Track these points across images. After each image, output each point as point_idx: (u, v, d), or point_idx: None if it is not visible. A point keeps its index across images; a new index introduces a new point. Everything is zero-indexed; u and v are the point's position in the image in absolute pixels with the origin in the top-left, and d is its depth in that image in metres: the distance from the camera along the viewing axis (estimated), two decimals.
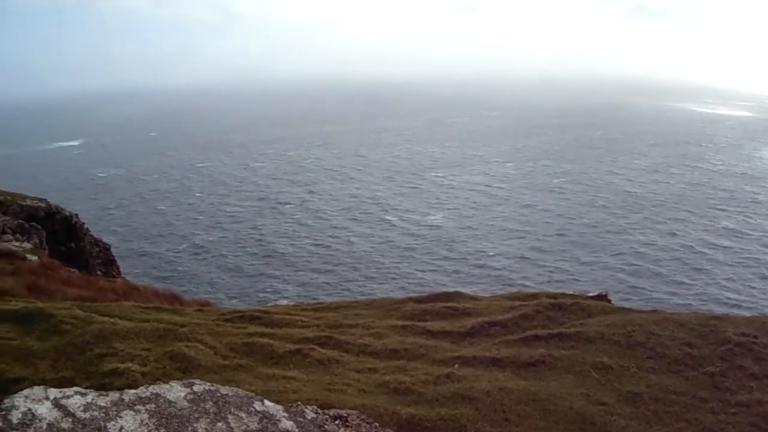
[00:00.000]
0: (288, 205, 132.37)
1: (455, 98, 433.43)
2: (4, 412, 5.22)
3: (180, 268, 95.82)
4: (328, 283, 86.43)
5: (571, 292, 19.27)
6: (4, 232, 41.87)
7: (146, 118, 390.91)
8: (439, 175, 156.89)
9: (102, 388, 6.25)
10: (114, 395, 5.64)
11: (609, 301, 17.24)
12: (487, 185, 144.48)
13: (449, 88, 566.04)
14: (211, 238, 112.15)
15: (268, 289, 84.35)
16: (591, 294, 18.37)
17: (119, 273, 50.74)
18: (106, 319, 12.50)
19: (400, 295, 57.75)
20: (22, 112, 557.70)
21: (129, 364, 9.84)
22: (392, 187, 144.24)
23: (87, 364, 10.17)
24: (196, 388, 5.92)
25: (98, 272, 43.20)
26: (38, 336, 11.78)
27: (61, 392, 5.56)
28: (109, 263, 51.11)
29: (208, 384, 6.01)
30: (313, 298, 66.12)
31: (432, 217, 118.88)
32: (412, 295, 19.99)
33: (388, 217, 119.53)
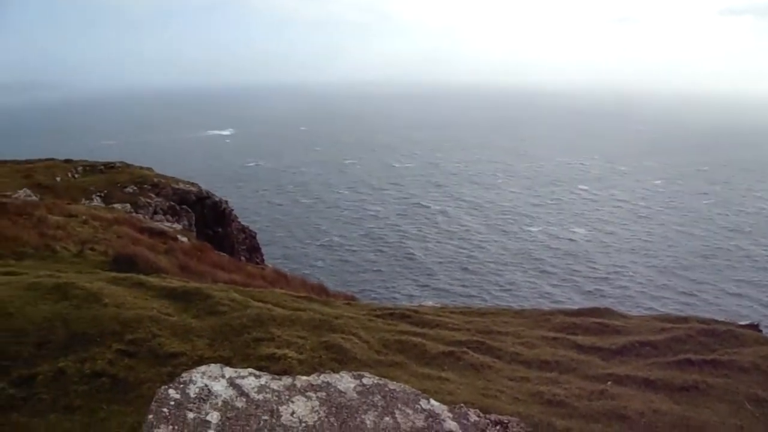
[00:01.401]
0: (428, 208, 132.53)
1: (603, 110, 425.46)
2: (182, 386, 5.32)
3: (318, 262, 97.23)
4: (463, 289, 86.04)
5: (722, 319, 18.61)
6: (156, 213, 43.42)
7: (297, 113, 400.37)
8: (583, 188, 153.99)
9: (258, 371, 6.28)
10: (287, 380, 5.66)
11: (760, 331, 16.57)
12: (632, 202, 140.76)
13: (597, 99, 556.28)
14: (350, 235, 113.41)
15: (403, 290, 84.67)
16: (742, 323, 17.69)
17: (262, 260, 51.77)
18: (261, 304, 12.72)
19: (542, 306, 56.94)
20: (179, 101, 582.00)
21: (286, 351, 9.96)
22: (535, 198, 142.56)
23: (244, 347, 10.35)
24: (365, 380, 5.87)
25: (242, 258, 44.25)
26: (195, 314, 12.09)
27: (236, 372, 5.63)
28: (253, 250, 52.27)
29: (377, 378, 5.95)
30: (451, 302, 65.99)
31: (573, 231, 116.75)
32: (560, 307, 19.62)
33: (529, 228, 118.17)
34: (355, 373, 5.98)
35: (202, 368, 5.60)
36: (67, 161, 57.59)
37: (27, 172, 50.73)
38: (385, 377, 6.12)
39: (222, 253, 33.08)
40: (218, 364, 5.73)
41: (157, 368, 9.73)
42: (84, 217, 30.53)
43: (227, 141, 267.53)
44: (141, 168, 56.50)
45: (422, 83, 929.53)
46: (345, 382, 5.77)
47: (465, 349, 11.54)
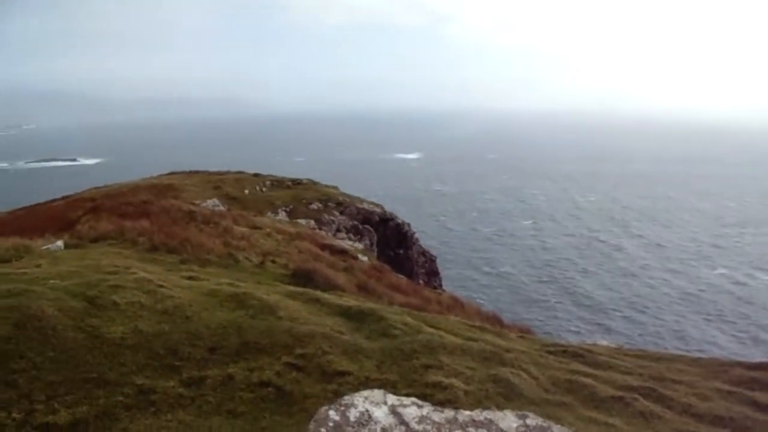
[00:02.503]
0: (606, 244, 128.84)
1: None
2: (343, 408, 5.26)
3: (490, 291, 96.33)
4: (635, 331, 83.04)
5: None
6: (339, 231, 44.21)
7: (486, 141, 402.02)
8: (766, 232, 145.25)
9: (423, 398, 6.14)
10: (449, 413, 5.47)
11: None
12: None
13: None
14: (525, 267, 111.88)
15: (573, 327, 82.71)
16: None
17: (440, 284, 51.79)
18: (433, 330, 12.63)
19: (718, 354, 54.22)
20: (370, 122, 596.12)
21: (453, 380, 9.78)
22: (718, 239, 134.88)
23: (411, 372, 10.24)
24: (529, 421, 5.60)
25: (420, 281, 44.41)
26: (367, 335, 12.13)
27: (398, 400, 5.51)
28: (432, 274, 52.42)
29: (542, 419, 5.67)
30: (624, 343, 63.59)
31: (756, 277, 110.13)
32: (739, 358, 18.52)
33: (710, 271, 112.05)
34: (519, 413, 5.74)
35: (365, 393, 5.54)
36: (256, 175, 59.75)
37: (217, 183, 53.00)
38: (550, 418, 5.88)
39: (400, 275, 33.25)
40: (381, 390, 5.64)
41: (323, 385, 9.78)
42: (268, 230, 31.44)
43: (413, 165, 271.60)
44: (327, 186, 57.86)
45: (612, 116, 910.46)
46: (508, 420, 5.54)
47: (636, 395, 10.99)
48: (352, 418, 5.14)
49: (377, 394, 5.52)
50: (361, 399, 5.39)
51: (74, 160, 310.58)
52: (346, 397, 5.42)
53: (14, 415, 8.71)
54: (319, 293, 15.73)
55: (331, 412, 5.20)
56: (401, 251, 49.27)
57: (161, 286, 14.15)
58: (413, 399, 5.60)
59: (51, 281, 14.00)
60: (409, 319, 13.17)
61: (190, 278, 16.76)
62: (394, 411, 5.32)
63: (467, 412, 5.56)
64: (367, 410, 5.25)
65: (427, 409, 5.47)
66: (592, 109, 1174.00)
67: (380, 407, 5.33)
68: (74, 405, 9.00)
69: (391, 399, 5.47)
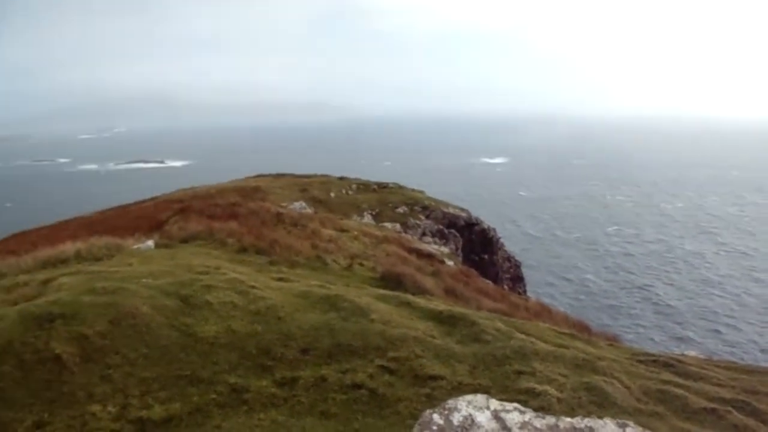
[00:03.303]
0: (690, 253, 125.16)
1: None
2: (446, 412, 5.31)
3: (571, 298, 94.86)
4: (720, 342, 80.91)
5: None
6: (425, 234, 44.24)
7: (570, 145, 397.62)
8: None
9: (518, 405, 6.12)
10: (550, 419, 5.48)
11: None
12: None
13: None
14: (605, 274, 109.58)
15: (657, 337, 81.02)
16: None
17: (525, 290, 51.44)
18: (524, 337, 12.54)
19: None
20: (457, 127, 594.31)
21: (546, 387, 9.73)
22: None
23: (504, 378, 10.24)
24: (629, 430, 5.59)
25: (505, 286, 44.19)
26: (459, 340, 12.13)
27: (501, 405, 5.54)
28: (517, 279, 52.11)
29: (641, 429, 5.65)
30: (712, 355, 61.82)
31: None
32: None
33: None
34: (619, 421, 5.73)
35: (468, 397, 5.58)
36: (342, 178, 60.28)
37: (304, 186, 53.67)
38: (643, 427, 5.83)
39: (486, 280, 33.12)
40: (484, 395, 5.67)
41: (415, 388, 9.84)
42: (355, 233, 31.66)
43: (499, 169, 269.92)
44: (413, 190, 57.94)
45: (689, 120, 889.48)
46: (608, 429, 5.54)
47: (729, 408, 10.74)
48: (455, 422, 5.19)
49: (480, 398, 5.55)
50: (464, 403, 5.43)
51: (162, 162, 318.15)
52: (449, 401, 5.47)
53: (109, 408, 9.12)
54: (409, 297, 15.80)
55: (435, 416, 5.25)
56: (486, 256, 49.06)
57: (253, 287, 14.46)
58: (516, 405, 5.62)
59: (143, 280, 14.41)
60: (500, 325, 13.10)
61: (280, 279, 17.06)
62: (496, 416, 5.35)
63: (568, 419, 5.56)
64: (470, 415, 5.29)
65: (529, 415, 5.49)
66: (676, 115, 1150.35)
67: (483, 412, 5.36)
68: (168, 401, 9.36)
69: (494, 404, 5.50)
